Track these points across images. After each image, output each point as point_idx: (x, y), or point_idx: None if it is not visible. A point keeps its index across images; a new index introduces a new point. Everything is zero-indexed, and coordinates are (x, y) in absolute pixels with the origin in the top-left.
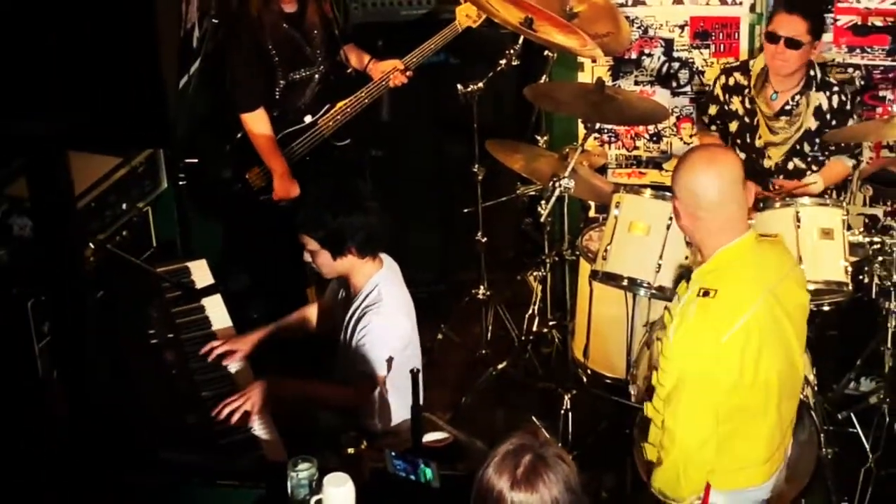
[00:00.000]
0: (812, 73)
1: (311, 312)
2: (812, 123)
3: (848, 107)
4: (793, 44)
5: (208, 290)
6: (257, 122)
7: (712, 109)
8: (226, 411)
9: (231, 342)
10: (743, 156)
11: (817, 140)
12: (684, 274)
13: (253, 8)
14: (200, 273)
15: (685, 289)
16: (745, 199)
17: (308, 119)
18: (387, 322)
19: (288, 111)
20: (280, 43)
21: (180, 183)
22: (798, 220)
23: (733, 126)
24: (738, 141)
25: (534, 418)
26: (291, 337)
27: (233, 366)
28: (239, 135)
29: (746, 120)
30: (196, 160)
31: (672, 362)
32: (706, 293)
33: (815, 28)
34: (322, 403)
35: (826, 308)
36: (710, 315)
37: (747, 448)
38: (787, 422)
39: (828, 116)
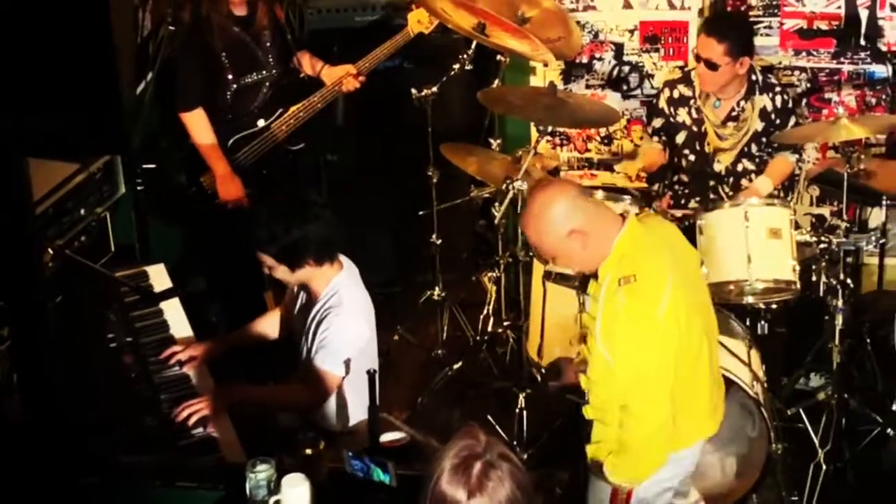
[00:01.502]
0: (754, 77)
1: (272, 320)
2: (758, 125)
3: (790, 105)
4: (710, 65)
5: (166, 294)
6: (196, 122)
7: (657, 122)
8: (184, 413)
9: (191, 348)
10: (693, 159)
11: (764, 140)
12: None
13: (203, 10)
14: (159, 277)
15: (598, 287)
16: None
17: (261, 123)
18: (347, 324)
19: (240, 115)
20: (230, 46)
21: (138, 188)
22: (747, 220)
23: (680, 137)
24: (686, 150)
25: (489, 417)
26: (251, 343)
27: (191, 370)
28: (191, 141)
29: (694, 129)
30: (153, 165)
31: (614, 355)
32: (626, 280)
33: (733, 49)
34: (281, 406)
35: (775, 306)
36: (641, 296)
37: (695, 403)
38: (717, 366)
39: (772, 116)
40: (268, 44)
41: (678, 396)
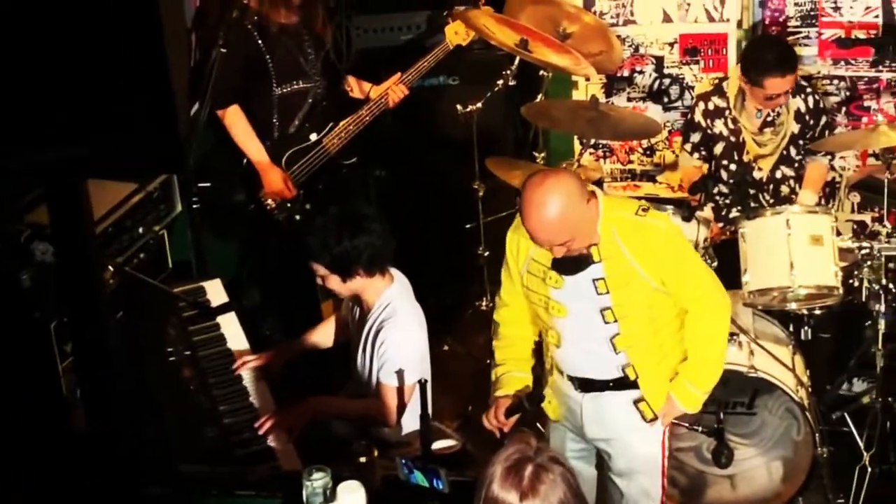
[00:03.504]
0: None
1: (327, 329)
2: (794, 127)
3: (822, 105)
4: (777, 97)
5: (223, 309)
6: (233, 119)
7: (695, 137)
8: (268, 425)
9: (261, 358)
10: (734, 169)
11: (801, 142)
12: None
13: (250, 15)
14: (215, 292)
15: (602, 246)
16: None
17: (313, 137)
18: (404, 335)
19: (287, 128)
20: (275, 51)
21: (194, 206)
22: (789, 227)
23: (718, 148)
24: (725, 160)
25: (538, 425)
26: (308, 352)
27: (248, 381)
28: (246, 160)
29: (732, 139)
30: (208, 184)
31: (675, 265)
32: (644, 208)
33: (790, 72)
34: (357, 419)
35: (818, 312)
36: (661, 213)
37: None
38: None
39: (807, 118)
40: (311, 54)
41: None
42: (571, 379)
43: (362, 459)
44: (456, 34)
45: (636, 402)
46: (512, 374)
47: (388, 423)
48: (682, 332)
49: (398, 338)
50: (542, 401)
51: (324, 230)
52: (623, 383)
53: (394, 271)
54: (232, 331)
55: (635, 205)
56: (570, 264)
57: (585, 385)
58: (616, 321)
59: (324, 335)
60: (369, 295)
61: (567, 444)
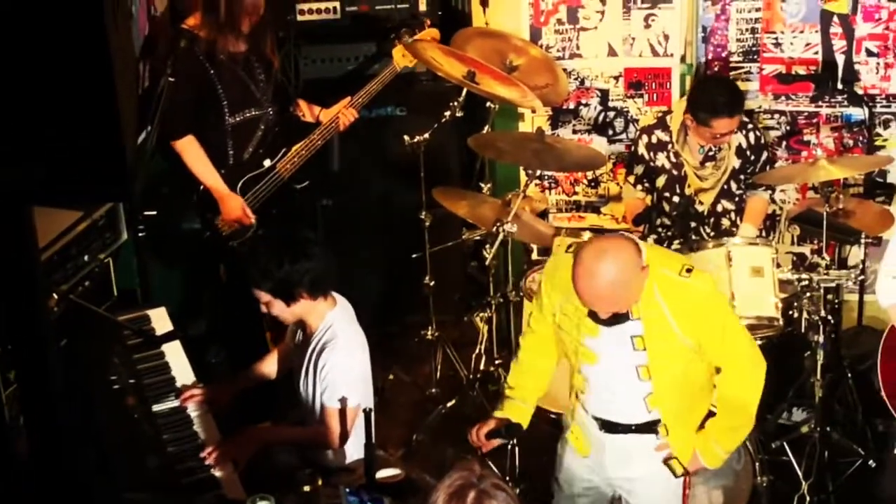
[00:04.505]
0: None
1: (272, 360)
2: (736, 162)
3: (762, 140)
4: (731, 132)
5: (168, 337)
6: (188, 149)
7: (638, 170)
8: (214, 455)
9: (206, 392)
10: (675, 201)
11: (742, 177)
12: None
13: (200, 44)
14: (160, 320)
15: (642, 304)
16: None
17: (267, 163)
18: (346, 357)
19: (241, 156)
20: (227, 80)
21: (140, 234)
22: (730, 259)
23: (660, 181)
24: (668, 193)
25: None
26: (254, 384)
27: (192, 409)
28: (202, 186)
29: (674, 172)
30: (154, 212)
31: (717, 326)
32: (688, 268)
33: (738, 113)
34: (302, 444)
35: (759, 342)
36: (706, 274)
37: None
38: None
39: (748, 153)
40: (261, 81)
41: None
42: (595, 419)
43: (306, 488)
44: (403, 56)
45: (666, 462)
46: (515, 403)
47: (333, 446)
48: (711, 389)
49: (340, 360)
50: (518, 434)
51: (265, 256)
52: (648, 428)
53: (336, 296)
54: (177, 359)
55: (679, 264)
56: (608, 317)
57: (610, 427)
58: (650, 379)
59: (268, 367)
60: (312, 319)
61: (580, 482)
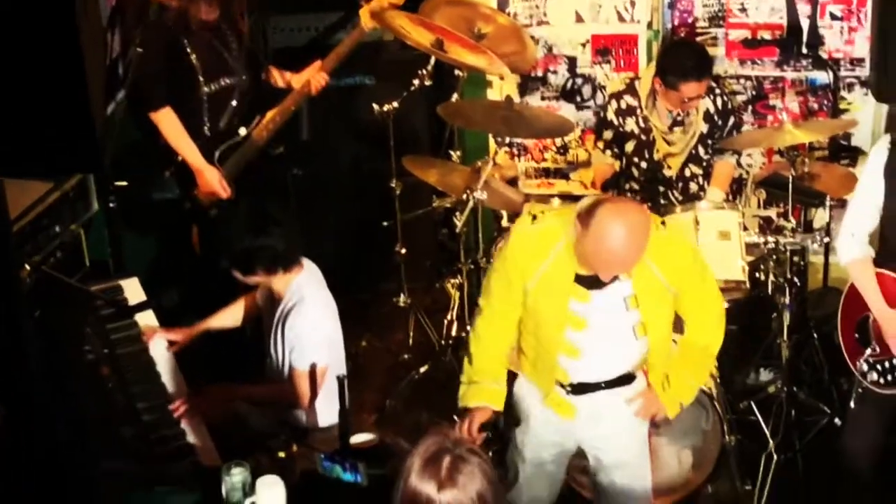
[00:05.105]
0: None
1: (238, 308)
2: (703, 128)
3: (730, 106)
4: (691, 101)
5: (141, 307)
6: (166, 120)
7: (607, 135)
8: (182, 409)
9: (170, 331)
10: (644, 167)
11: (709, 142)
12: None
13: (171, 13)
14: (133, 290)
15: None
16: None
17: (242, 132)
18: (311, 319)
19: (218, 126)
20: (200, 48)
21: (111, 205)
22: (697, 224)
23: (629, 146)
24: (636, 158)
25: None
26: (217, 331)
27: (166, 378)
28: (179, 157)
29: (643, 137)
30: (125, 183)
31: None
32: (663, 221)
33: (706, 78)
34: (270, 402)
35: (726, 305)
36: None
37: None
38: None
39: (716, 118)
40: (234, 50)
41: None
42: (562, 385)
43: (281, 454)
44: (371, 17)
45: (631, 401)
46: (487, 385)
47: (301, 405)
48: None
49: (306, 322)
50: (517, 425)
51: (230, 228)
52: (615, 383)
53: (305, 261)
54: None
55: (655, 219)
56: (596, 280)
57: (580, 389)
58: (647, 335)
59: (233, 315)
60: (278, 286)
61: (547, 448)
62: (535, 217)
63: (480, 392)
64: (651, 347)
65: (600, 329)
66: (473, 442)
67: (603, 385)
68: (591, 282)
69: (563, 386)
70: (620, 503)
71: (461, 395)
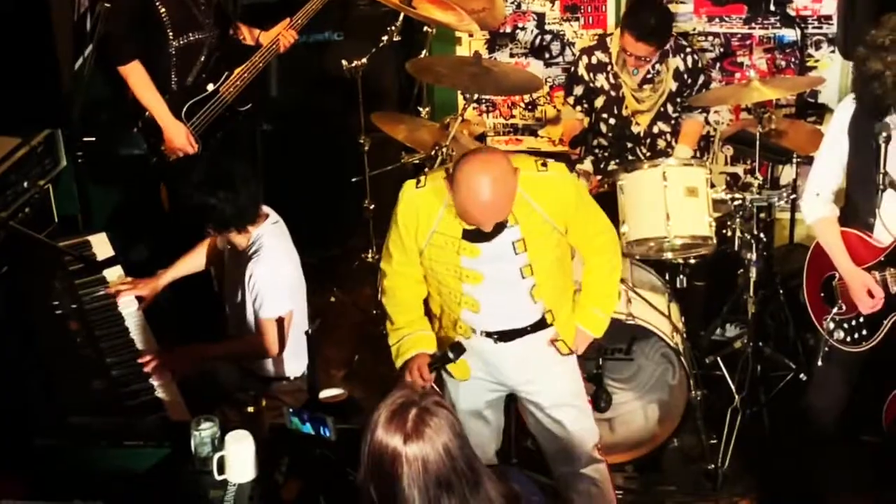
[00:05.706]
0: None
1: (201, 251)
2: (673, 85)
3: (700, 64)
4: (641, 59)
5: (109, 262)
6: (135, 74)
7: (578, 90)
8: (152, 364)
9: (134, 284)
10: (612, 123)
11: (678, 100)
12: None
13: None
14: (101, 246)
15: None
16: None
17: (210, 87)
18: (271, 266)
19: (186, 81)
20: (169, 3)
21: (79, 161)
22: (665, 179)
23: (599, 102)
24: (605, 114)
25: None
26: (183, 275)
27: (135, 333)
28: (147, 112)
29: (612, 94)
30: (93, 138)
31: (577, 207)
32: (543, 162)
33: (661, 44)
34: (240, 356)
35: (693, 261)
36: (558, 164)
37: None
38: None
39: (685, 76)
40: (202, 5)
41: None
42: (489, 335)
43: (250, 409)
44: None
45: (553, 342)
46: (418, 334)
47: (271, 354)
48: (571, 266)
49: (265, 270)
50: (464, 350)
51: (184, 183)
52: (539, 325)
53: (267, 210)
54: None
55: (533, 161)
56: (484, 232)
57: (504, 336)
58: (533, 275)
59: (195, 260)
60: (238, 239)
61: (482, 396)
62: (419, 181)
63: (412, 342)
64: (539, 285)
65: (496, 278)
66: (429, 385)
67: (528, 329)
68: (479, 235)
69: (488, 336)
70: (571, 443)
71: (395, 355)
